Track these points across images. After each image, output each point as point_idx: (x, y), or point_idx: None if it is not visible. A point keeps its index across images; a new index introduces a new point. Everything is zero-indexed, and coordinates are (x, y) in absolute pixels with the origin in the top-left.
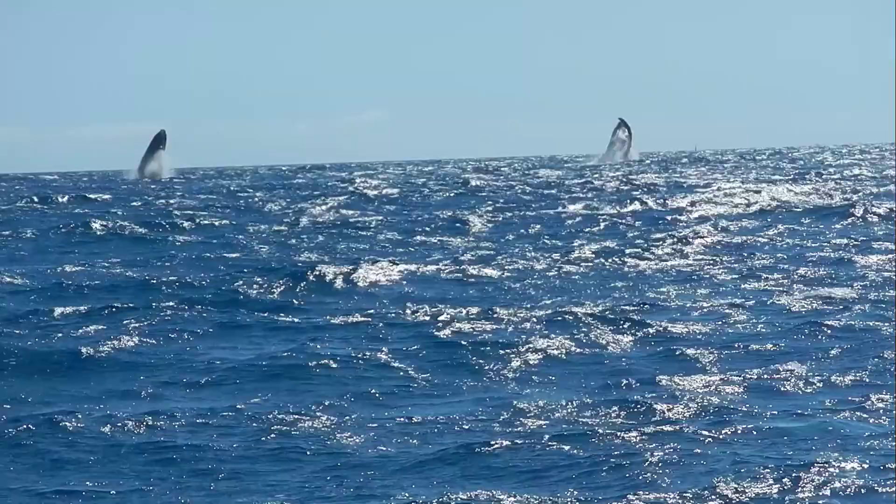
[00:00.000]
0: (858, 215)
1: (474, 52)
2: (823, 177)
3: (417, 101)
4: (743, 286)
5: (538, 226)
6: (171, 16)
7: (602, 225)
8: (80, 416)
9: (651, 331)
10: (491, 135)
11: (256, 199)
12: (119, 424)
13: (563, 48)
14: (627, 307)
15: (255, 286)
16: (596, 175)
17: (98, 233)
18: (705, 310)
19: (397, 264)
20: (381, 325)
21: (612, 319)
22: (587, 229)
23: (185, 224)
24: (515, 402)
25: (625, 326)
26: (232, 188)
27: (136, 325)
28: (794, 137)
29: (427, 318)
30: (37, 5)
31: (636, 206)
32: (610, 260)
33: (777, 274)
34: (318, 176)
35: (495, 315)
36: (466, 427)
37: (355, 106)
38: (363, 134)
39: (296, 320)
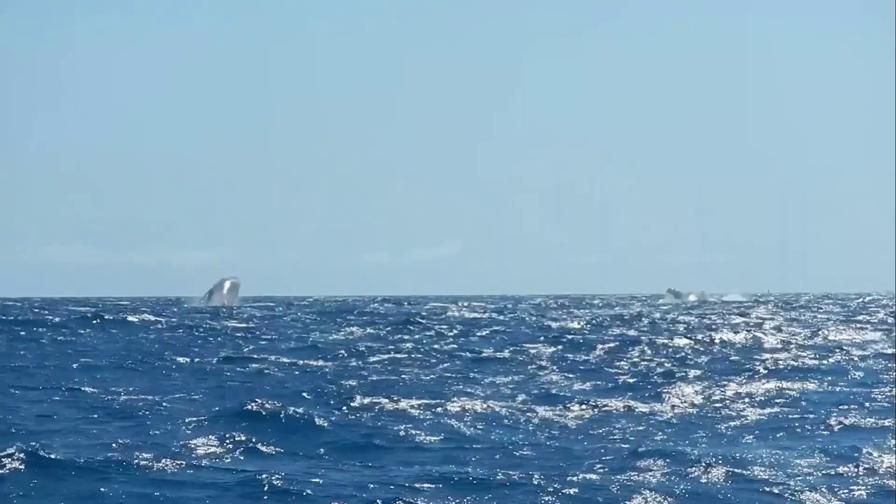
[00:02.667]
0: None
1: (546, 193)
2: None
3: (490, 237)
4: None
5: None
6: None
7: None
8: None
9: None
10: (565, 271)
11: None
12: None
13: (635, 193)
14: None
15: None
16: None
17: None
18: None
19: None
20: None
21: None
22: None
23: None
24: None
25: None
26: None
27: None
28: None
29: None
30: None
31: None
32: None
33: None
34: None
35: None
36: None
37: (429, 239)
38: (435, 268)
39: None
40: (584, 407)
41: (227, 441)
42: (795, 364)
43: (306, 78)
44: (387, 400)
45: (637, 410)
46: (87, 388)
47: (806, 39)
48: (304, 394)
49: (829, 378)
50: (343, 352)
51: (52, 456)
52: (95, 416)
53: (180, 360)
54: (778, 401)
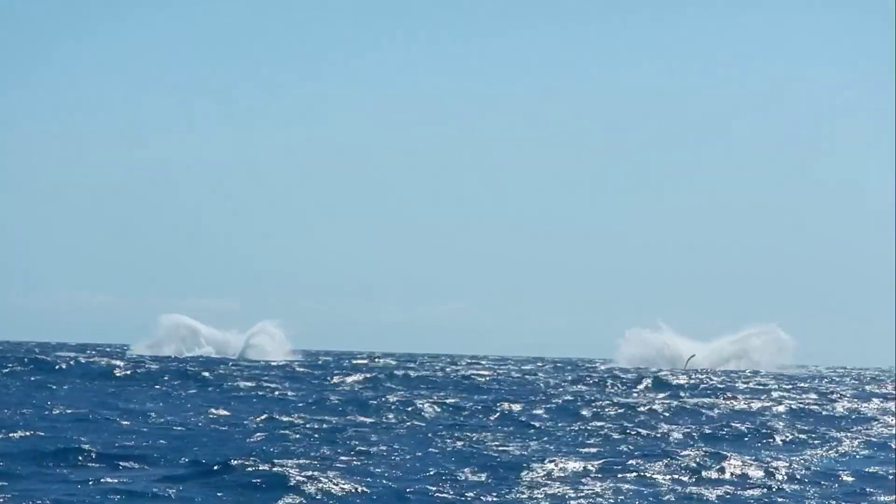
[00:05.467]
0: None
1: (561, 246)
2: None
3: (500, 295)
4: None
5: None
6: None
7: None
8: None
9: None
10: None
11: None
12: None
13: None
14: None
15: None
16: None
17: None
18: None
19: None
20: None
21: None
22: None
23: None
24: None
25: None
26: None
27: None
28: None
29: None
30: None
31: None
32: None
33: None
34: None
35: None
36: None
37: (439, 297)
38: (446, 325)
39: None
40: None
41: None
42: None
43: (311, 125)
44: None
45: None
46: None
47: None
48: None
49: None
50: None
51: None
52: None
53: None
54: None
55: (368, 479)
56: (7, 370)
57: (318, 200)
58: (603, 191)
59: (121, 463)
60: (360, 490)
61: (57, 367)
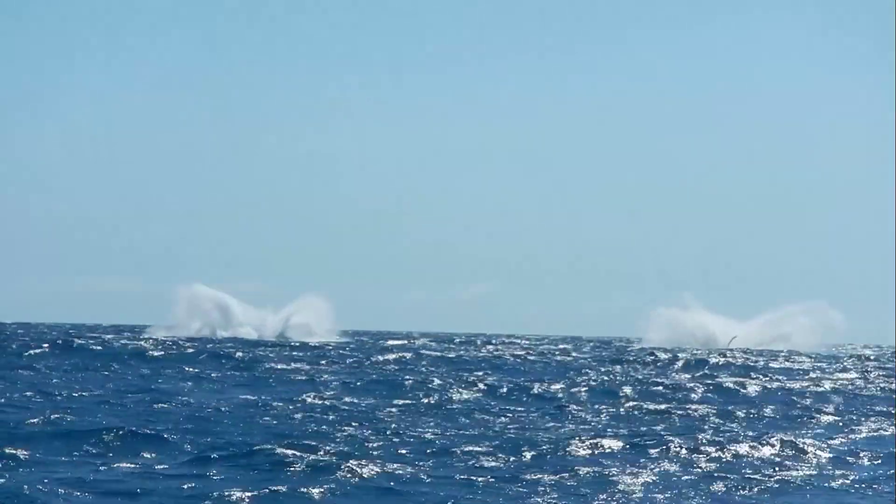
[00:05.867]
0: None
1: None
2: None
3: (527, 275)
4: None
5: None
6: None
7: None
8: None
9: None
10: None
11: None
12: None
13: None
14: None
15: None
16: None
17: None
18: None
19: None
20: None
21: None
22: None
23: None
24: None
25: None
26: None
27: None
28: None
29: None
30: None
31: None
32: None
33: None
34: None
35: None
36: None
37: (465, 278)
38: (472, 306)
39: None
40: None
41: None
42: None
43: (347, 114)
44: None
45: None
46: None
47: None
48: None
49: None
50: None
51: None
52: None
53: None
54: None
55: (398, 462)
56: (38, 351)
57: (350, 182)
58: (631, 167)
59: (147, 445)
60: (389, 471)
61: (88, 348)
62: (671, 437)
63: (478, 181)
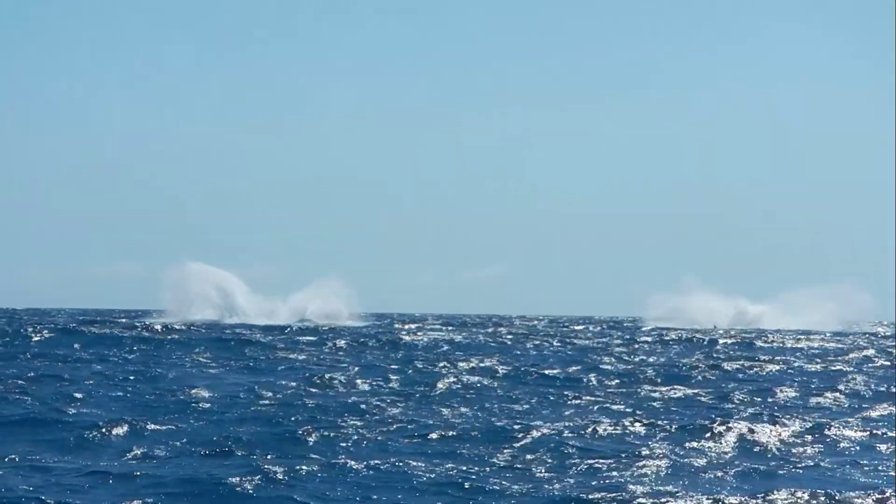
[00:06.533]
0: None
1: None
2: None
3: (539, 257)
4: None
5: None
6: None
7: None
8: None
9: None
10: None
11: None
12: None
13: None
14: None
15: None
16: None
17: None
18: None
19: None
20: None
21: None
22: None
23: None
24: None
25: None
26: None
27: None
28: None
29: None
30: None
31: None
32: None
33: None
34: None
35: None
36: None
37: (477, 261)
38: (483, 288)
39: None
40: None
41: None
42: None
43: (357, 102)
44: None
45: None
46: None
47: None
48: None
49: None
50: None
51: None
52: None
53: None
54: None
55: (395, 451)
56: (41, 338)
57: (359, 166)
58: (637, 148)
59: (149, 436)
60: (385, 461)
61: (90, 334)
62: (686, 419)
63: (492, 164)
